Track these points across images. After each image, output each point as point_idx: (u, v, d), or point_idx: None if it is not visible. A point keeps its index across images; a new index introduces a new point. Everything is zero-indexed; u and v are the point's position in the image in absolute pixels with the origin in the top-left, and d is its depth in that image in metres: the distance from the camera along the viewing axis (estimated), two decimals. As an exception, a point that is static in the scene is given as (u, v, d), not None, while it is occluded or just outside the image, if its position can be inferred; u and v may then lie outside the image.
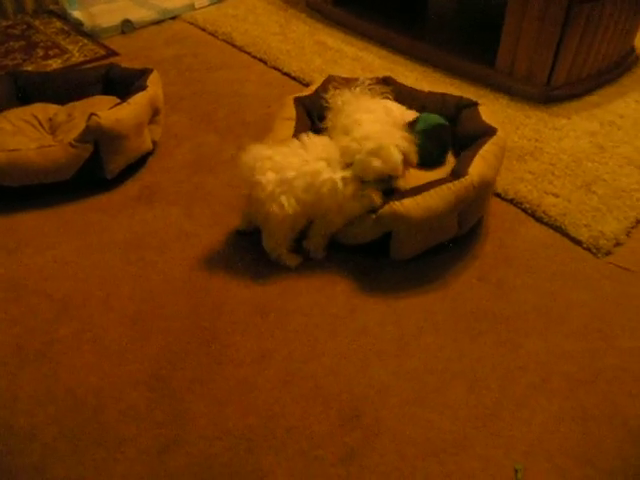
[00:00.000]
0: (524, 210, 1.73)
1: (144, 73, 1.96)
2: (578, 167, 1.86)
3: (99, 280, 1.52)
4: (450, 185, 1.46)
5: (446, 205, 1.45)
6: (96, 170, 1.75)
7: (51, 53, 2.58)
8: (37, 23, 2.87)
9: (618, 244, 1.63)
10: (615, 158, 1.90)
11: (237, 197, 1.77)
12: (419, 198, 1.45)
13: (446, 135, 1.66)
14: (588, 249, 1.60)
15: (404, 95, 1.85)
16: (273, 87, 2.33)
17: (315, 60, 2.44)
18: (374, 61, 2.45)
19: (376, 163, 1.44)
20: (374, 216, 1.47)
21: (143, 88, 1.84)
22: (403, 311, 1.44)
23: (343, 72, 2.37)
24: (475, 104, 1.75)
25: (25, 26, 2.84)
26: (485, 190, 1.54)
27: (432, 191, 1.45)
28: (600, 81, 2.27)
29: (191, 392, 1.27)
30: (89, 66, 2.14)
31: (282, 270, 1.54)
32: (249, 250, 1.60)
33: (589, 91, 2.23)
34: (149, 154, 1.93)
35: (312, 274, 1.54)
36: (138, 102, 1.79)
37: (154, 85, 1.90)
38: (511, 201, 1.75)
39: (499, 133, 1.62)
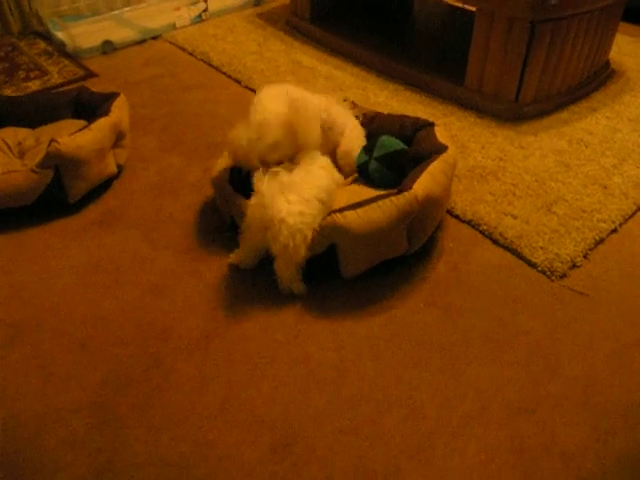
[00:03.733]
0: (481, 232, 1.72)
1: (111, 97, 2.00)
2: (540, 187, 1.85)
3: (53, 305, 1.55)
4: (393, 199, 1.46)
5: (388, 218, 1.45)
6: (58, 195, 1.78)
7: (32, 75, 2.63)
8: (22, 44, 2.94)
9: (574, 267, 1.61)
10: (580, 177, 1.89)
11: (197, 220, 1.80)
12: (360, 210, 1.45)
13: (403, 160, 1.66)
14: (543, 272, 1.59)
15: (368, 117, 1.86)
16: (245, 107, 2.34)
17: (288, 79, 2.45)
18: (346, 79, 2.46)
19: None
20: (317, 227, 1.48)
21: (106, 113, 1.87)
22: (345, 336, 1.44)
23: (315, 90, 2.39)
24: (431, 124, 1.76)
25: (10, 48, 2.91)
26: (432, 206, 1.54)
27: (374, 204, 1.46)
28: (571, 97, 2.25)
29: (130, 418, 1.28)
30: (60, 90, 2.17)
31: (232, 295, 1.55)
32: (202, 275, 1.61)
33: (559, 107, 2.22)
34: (115, 177, 1.97)
35: (262, 298, 1.54)
36: (100, 127, 1.81)
37: (119, 110, 1.93)
38: (469, 222, 1.74)
39: (449, 150, 1.62)
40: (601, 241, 1.68)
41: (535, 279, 1.58)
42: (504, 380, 1.34)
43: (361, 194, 1.60)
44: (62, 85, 2.52)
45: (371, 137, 1.76)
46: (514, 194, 1.82)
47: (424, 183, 1.50)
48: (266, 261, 1.62)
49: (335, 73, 2.51)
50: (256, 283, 1.58)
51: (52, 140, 1.72)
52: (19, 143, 1.97)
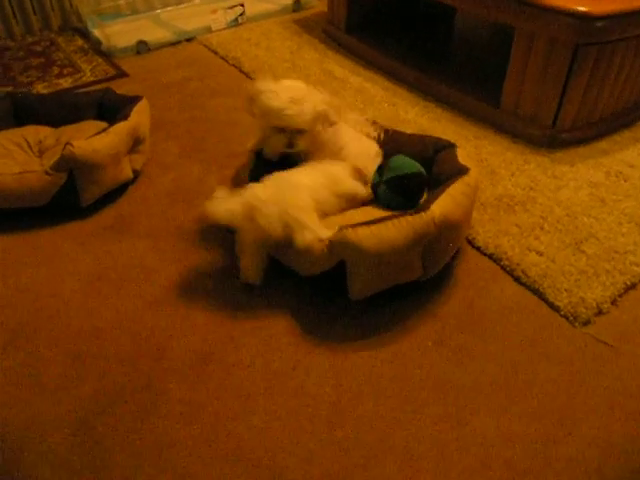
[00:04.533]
0: (503, 267, 1.61)
1: (133, 101, 1.97)
2: (571, 222, 1.73)
3: (53, 312, 1.52)
4: (409, 218, 1.38)
5: (403, 239, 1.37)
6: (71, 198, 1.76)
7: (65, 72, 2.64)
8: (60, 40, 2.96)
9: (600, 313, 1.49)
10: (615, 214, 1.75)
11: (207, 234, 1.74)
12: (374, 228, 1.38)
13: (414, 184, 1.58)
14: (565, 317, 1.48)
15: (387, 136, 1.78)
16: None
17: (318, 90, 2.38)
18: (378, 93, 2.38)
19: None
20: (327, 242, 1.41)
21: (125, 118, 1.84)
22: (346, 372, 1.36)
23: (344, 104, 2.32)
24: (452, 145, 1.67)
25: (48, 43, 2.94)
26: (450, 230, 1.45)
27: (389, 222, 1.38)
28: (613, 125, 2.11)
29: (113, 441, 1.24)
30: (85, 90, 2.17)
31: (232, 317, 1.49)
32: (205, 292, 1.56)
33: (600, 136, 2.08)
34: (131, 182, 1.94)
35: (263, 322, 1.48)
36: (117, 132, 1.79)
37: (139, 114, 1.90)
38: (490, 256, 1.64)
39: (471, 172, 1.53)
40: (633, 286, 1.56)
41: (556, 324, 1.47)
42: (512, 435, 1.24)
43: (375, 214, 1.52)
44: (93, 84, 2.53)
45: (389, 156, 1.69)
46: (542, 228, 1.71)
47: (443, 204, 1.42)
48: (271, 286, 1.56)
49: (366, 86, 2.43)
50: (258, 306, 1.52)
51: (67, 143, 1.70)
52: (40, 142, 1.96)
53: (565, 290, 1.52)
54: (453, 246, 1.52)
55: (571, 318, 1.47)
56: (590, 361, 1.39)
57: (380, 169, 1.62)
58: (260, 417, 1.27)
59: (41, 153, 1.93)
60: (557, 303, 1.49)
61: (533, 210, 1.77)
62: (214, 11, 2.96)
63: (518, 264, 1.59)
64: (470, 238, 1.69)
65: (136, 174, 1.95)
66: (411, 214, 1.38)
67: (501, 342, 1.43)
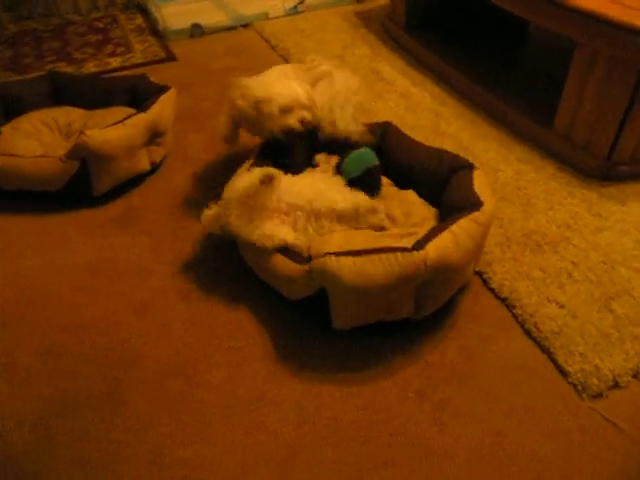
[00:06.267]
0: (514, 315, 1.44)
1: (162, 91, 1.94)
2: (606, 272, 1.52)
3: (40, 301, 1.53)
4: (398, 255, 1.24)
5: (387, 276, 1.24)
6: (84, 186, 1.76)
7: (118, 51, 2.66)
8: (122, 18, 2.99)
9: (616, 386, 1.30)
10: (662, 269, 1.53)
11: (209, 239, 1.69)
12: (358, 259, 1.26)
13: (378, 175, 1.55)
14: (573, 385, 1.30)
15: (400, 145, 1.69)
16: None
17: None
18: (423, 100, 2.21)
19: None
20: (307, 268, 1.32)
21: (145, 109, 1.81)
22: (313, 411, 1.26)
23: (384, 109, 2.18)
24: (470, 167, 1.51)
25: (110, 19, 2.97)
26: (449, 272, 1.31)
27: (375, 256, 1.26)
28: (684, 163, 1.84)
29: (65, 447, 1.22)
30: (120, 75, 2.16)
31: (211, 332, 1.44)
32: (190, 301, 1.51)
33: (665, 174, 1.82)
34: (148, 174, 1.91)
35: (240, 341, 1.41)
36: (134, 124, 1.76)
37: (162, 106, 1.86)
38: (503, 300, 1.47)
39: (484, 208, 1.37)
40: (663, 360, 1.35)
41: (561, 392, 1.29)
42: (478, 516, 1.11)
43: (359, 238, 1.42)
44: (140, 66, 2.53)
45: (398, 165, 1.66)
46: (570, 275, 1.51)
47: (440, 245, 1.27)
48: (258, 306, 1.49)
49: (413, 90, 2.27)
50: (240, 324, 1.45)
51: (80, 132, 1.69)
52: (69, 124, 1.98)
53: (579, 354, 1.33)
54: (451, 290, 1.38)
55: (579, 387, 1.28)
56: (591, 442, 1.21)
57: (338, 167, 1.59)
58: (213, 447, 1.21)
59: (69, 136, 1.94)
60: (567, 367, 1.31)
61: (564, 253, 1.57)
62: (273, -3, 2.87)
63: (532, 315, 1.42)
64: (485, 277, 1.53)
65: (155, 166, 1.92)
66: (402, 251, 1.24)
67: (492, 403, 1.28)
